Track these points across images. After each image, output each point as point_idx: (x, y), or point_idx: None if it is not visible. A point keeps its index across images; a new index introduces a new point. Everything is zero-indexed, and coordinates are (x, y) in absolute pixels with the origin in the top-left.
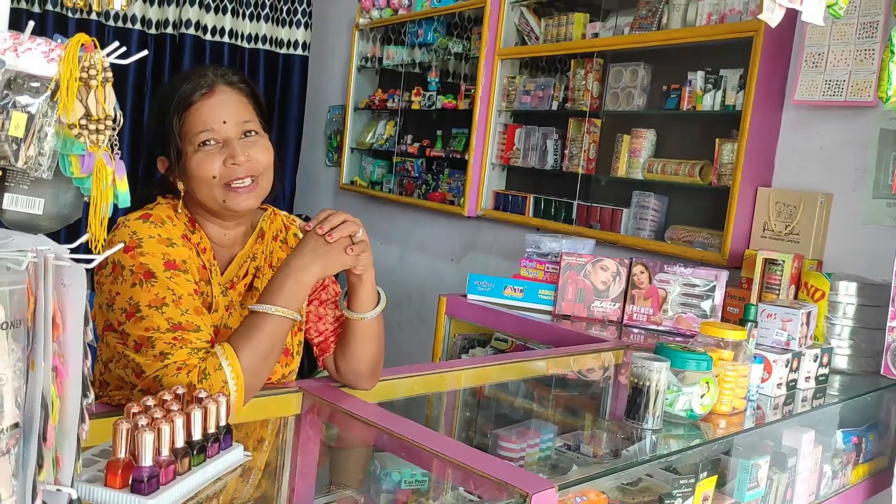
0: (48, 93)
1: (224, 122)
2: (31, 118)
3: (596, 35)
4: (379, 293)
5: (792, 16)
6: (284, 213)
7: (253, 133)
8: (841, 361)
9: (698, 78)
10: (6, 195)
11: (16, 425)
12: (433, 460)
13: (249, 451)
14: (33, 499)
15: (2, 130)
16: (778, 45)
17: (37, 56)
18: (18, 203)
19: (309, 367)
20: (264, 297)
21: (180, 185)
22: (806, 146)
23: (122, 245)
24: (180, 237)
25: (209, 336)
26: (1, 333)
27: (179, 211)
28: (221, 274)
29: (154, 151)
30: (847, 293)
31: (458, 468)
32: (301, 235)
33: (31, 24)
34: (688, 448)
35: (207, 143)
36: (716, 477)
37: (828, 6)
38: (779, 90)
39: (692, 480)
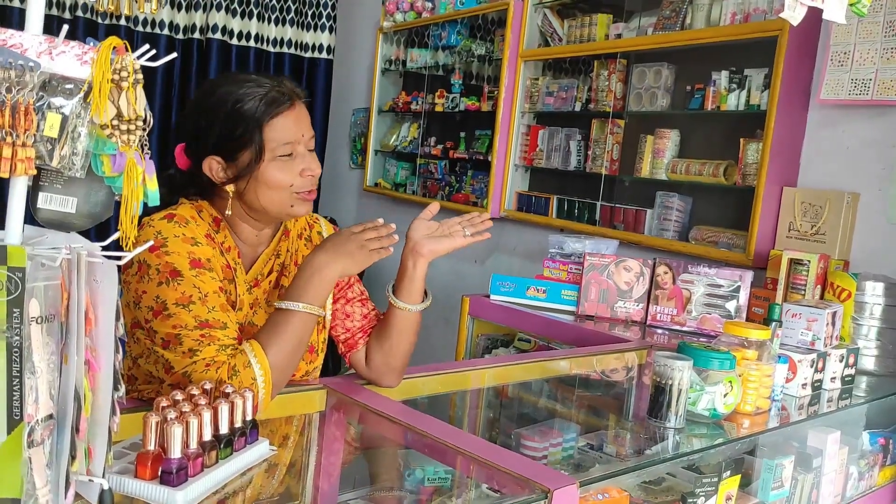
0: (81, 94)
1: (303, 136)
2: (64, 119)
3: (619, 36)
4: (426, 291)
5: (817, 15)
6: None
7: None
8: (868, 362)
9: (722, 78)
10: (41, 194)
11: (50, 417)
12: (456, 457)
13: (275, 446)
14: (66, 488)
15: (37, 131)
16: (803, 44)
17: (70, 59)
18: (52, 202)
19: (333, 365)
20: (290, 295)
21: (229, 189)
22: (832, 145)
23: (150, 243)
24: (204, 236)
25: (235, 333)
26: (36, 328)
27: (203, 211)
28: (246, 272)
29: (201, 152)
30: (874, 293)
31: (481, 464)
32: (325, 235)
33: (66, 27)
34: (711, 447)
35: (290, 153)
36: (739, 476)
37: (850, 4)
38: (804, 89)
39: (715, 480)
